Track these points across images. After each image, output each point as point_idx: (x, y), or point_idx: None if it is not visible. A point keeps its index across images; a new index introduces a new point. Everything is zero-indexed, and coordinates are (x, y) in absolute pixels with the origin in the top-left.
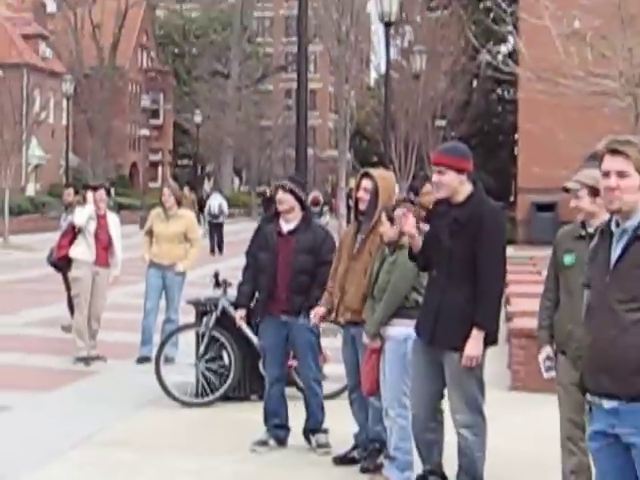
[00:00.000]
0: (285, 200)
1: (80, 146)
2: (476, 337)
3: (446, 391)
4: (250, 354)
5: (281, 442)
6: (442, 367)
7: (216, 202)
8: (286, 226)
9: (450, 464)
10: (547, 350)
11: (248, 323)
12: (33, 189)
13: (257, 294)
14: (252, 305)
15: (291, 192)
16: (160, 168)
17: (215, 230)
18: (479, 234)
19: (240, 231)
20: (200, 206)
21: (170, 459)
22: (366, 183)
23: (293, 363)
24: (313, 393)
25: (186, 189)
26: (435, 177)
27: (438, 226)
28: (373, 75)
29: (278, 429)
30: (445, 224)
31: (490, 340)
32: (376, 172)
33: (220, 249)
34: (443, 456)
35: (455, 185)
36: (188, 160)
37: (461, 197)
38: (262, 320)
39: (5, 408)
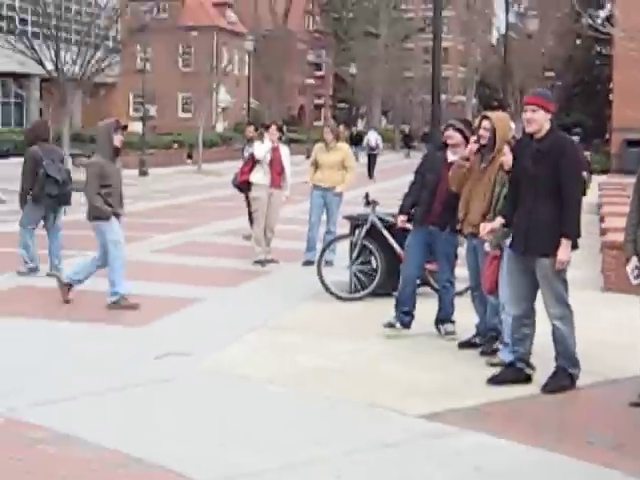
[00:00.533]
0: (454, 137)
1: (259, 92)
2: (565, 245)
3: (539, 292)
4: (393, 259)
5: (405, 325)
6: (534, 273)
7: (373, 137)
8: (451, 157)
9: (540, 353)
10: (634, 260)
11: (392, 234)
12: (221, 127)
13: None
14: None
15: (459, 131)
16: (322, 110)
17: (371, 159)
18: (561, 161)
19: (386, 161)
20: (352, 140)
21: (328, 342)
22: (485, 123)
23: (430, 267)
24: (446, 291)
25: (342, 127)
26: (529, 114)
27: (523, 157)
28: (495, 35)
29: (405, 315)
30: (529, 155)
31: (573, 246)
32: (494, 114)
33: (371, 175)
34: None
35: (542, 122)
36: (345, 103)
37: (543, 132)
38: (414, 227)
39: (199, 300)
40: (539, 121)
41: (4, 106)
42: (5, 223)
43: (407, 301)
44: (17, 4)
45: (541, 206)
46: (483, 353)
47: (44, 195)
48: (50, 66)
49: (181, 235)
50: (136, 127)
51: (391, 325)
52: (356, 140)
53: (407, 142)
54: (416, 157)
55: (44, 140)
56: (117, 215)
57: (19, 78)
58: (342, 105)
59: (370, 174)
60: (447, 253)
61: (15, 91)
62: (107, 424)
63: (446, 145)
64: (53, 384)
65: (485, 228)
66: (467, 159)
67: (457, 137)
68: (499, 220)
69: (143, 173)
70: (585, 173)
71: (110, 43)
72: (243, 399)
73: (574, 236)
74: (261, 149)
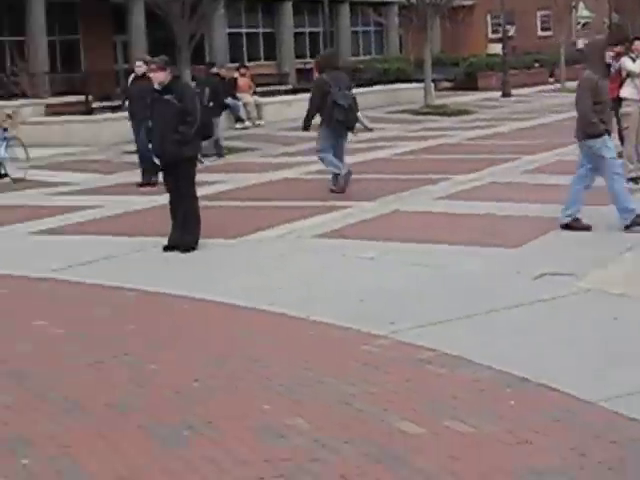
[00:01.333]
0: None
1: (621, 5)
2: None
3: None
4: None
5: None
6: None
7: None
8: None
9: None
10: None
11: None
12: (582, 43)
13: None
14: None
15: None
16: None
17: None
18: None
19: None
20: None
21: None
22: None
23: None
24: None
25: None
26: None
27: None
28: None
29: None
30: None
31: None
32: None
33: None
34: None
35: None
36: None
37: None
38: None
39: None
40: None
41: (364, 35)
42: (373, 150)
43: None
44: None
45: None
46: None
47: (333, 120)
48: None
49: (549, 155)
50: (496, 48)
51: None
52: None
53: None
54: None
55: (334, 68)
56: (608, 132)
57: (378, 6)
58: None
59: None
60: None
61: (374, 19)
62: (489, 344)
63: None
64: (433, 306)
65: None
66: None
67: None
68: None
69: (506, 94)
70: None
71: None
72: (621, 317)
73: None
74: (636, 63)
